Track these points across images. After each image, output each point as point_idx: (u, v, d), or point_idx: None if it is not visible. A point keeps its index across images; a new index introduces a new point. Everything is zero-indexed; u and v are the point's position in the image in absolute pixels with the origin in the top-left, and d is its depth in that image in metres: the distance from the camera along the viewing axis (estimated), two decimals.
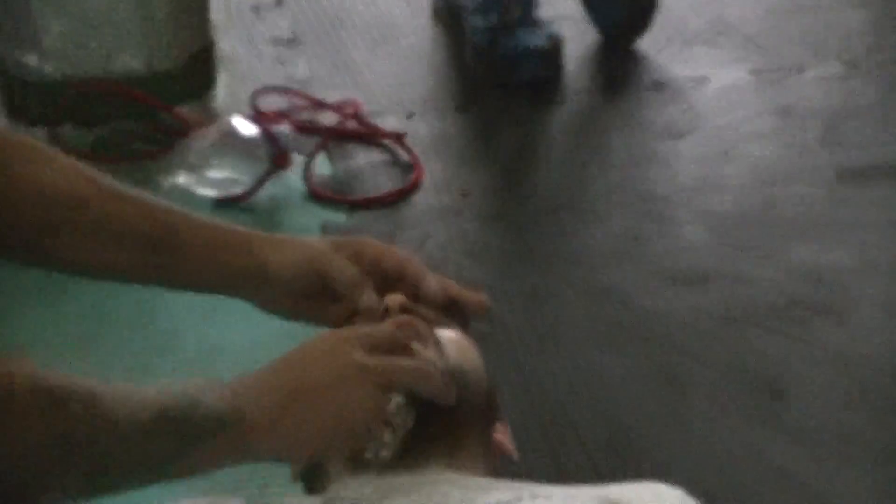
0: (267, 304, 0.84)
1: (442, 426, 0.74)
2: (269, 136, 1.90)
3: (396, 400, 0.72)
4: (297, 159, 1.96)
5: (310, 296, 0.82)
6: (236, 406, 0.67)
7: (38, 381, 0.60)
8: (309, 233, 1.71)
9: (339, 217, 1.87)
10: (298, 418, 0.68)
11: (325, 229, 1.81)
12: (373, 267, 0.83)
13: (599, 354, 1.57)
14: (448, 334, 0.80)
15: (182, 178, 1.86)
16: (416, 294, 0.83)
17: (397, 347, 0.74)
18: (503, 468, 0.81)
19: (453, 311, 0.84)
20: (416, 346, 0.75)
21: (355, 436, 0.70)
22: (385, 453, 0.71)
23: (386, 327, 0.75)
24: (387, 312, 0.80)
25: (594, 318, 1.64)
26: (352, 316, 0.82)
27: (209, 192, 1.86)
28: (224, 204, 1.86)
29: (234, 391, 0.68)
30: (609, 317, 1.65)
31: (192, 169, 1.85)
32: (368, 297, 0.81)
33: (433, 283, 0.83)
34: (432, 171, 1.99)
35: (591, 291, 1.70)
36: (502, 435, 0.83)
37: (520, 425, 1.39)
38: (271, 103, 2.13)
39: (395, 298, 0.81)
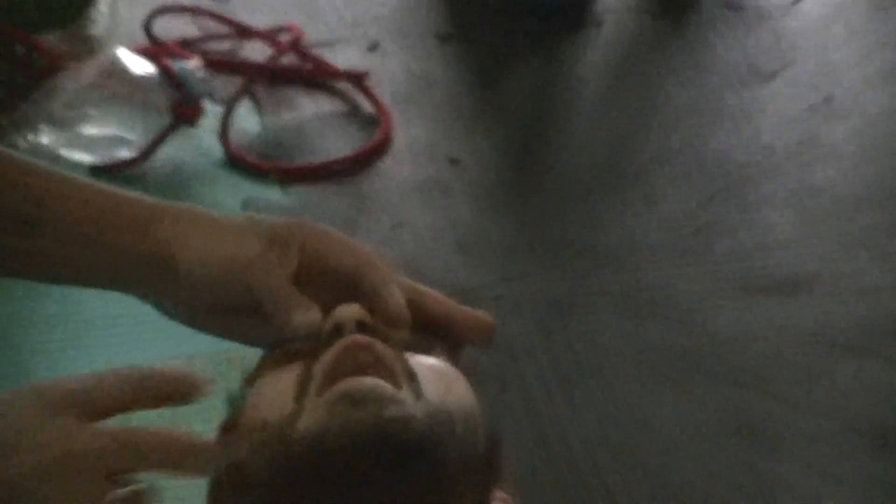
0: (171, 311, 0.86)
1: (418, 490, 0.75)
2: (169, 77, 1.91)
3: (130, 487, 0.72)
4: (212, 110, 1.98)
5: (231, 309, 0.85)
6: None
7: None
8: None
9: (270, 192, 1.90)
10: None
11: (249, 209, 1.81)
12: (320, 266, 0.85)
13: (647, 393, 1.60)
14: (429, 363, 0.82)
15: (46, 137, 1.87)
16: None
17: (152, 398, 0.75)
18: None
19: (440, 333, 0.86)
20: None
21: None
22: None
23: (112, 376, 0.75)
24: (338, 332, 0.81)
25: (640, 341, 1.66)
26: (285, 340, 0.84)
27: (84, 157, 1.88)
28: (105, 172, 1.86)
29: None
30: (661, 339, 1.66)
31: (61, 123, 1.87)
32: (301, 318, 0.83)
33: (395, 295, 0.84)
34: (407, 128, 2.02)
35: (634, 304, 1.73)
36: None
37: (533, 492, 1.40)
38: (174, 30, 2.15)
39: (349, 312, 0.82)
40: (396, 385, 0.77)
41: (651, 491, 1.48)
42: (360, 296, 0.84)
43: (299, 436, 0.74)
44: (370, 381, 0.76)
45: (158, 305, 0.86)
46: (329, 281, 0.85)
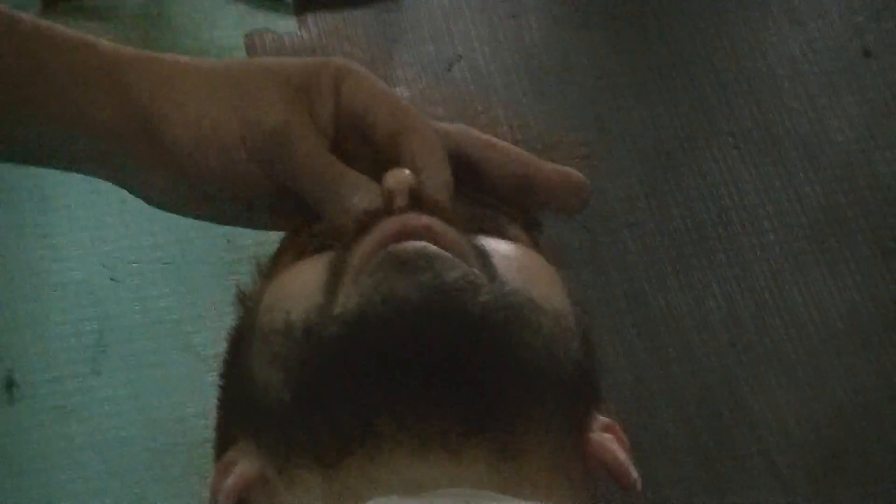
0: (156, 196, 0.84)
1: (489, 388, 0.72)
2: None
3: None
4: None
5: (241, 194, 0.82)
6: None
7: None
8: (223, 54, 1.71)
9: (280, 22, 1.82)
10: None
11: (252, 47, 1.77)
12: (356, 128, 0.83)
13: (792, 270, 1.58)
14: (505, 249, 0.80)
15: None
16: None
17: None
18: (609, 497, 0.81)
19: (513, 199, 0.85)
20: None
21: None
22: None
23: None
24: (391, 202, 0.79)
25: (781, 197, 1.60)
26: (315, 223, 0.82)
27: None
28: (55, 3, 1.81)
29: None
30: (810, 197, 1.59)
31: None
32: (360, 199, 0.81)
33: (437, 151, 0.82)
34: None
35: (774, 149, 1.65)
36: (610, 435, 0.81)
37: (642, 405, 1.42)
38: None
39: (398, 177, 0.80)
40: (464, 261, 0.76)
41: (795, 401, 1.48)
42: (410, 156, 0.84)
43: (332, 320, 0.73)
44: (424, 244, 0.76)
45: (136, 190, 0.84)
46: (364, 138, 0.83)
